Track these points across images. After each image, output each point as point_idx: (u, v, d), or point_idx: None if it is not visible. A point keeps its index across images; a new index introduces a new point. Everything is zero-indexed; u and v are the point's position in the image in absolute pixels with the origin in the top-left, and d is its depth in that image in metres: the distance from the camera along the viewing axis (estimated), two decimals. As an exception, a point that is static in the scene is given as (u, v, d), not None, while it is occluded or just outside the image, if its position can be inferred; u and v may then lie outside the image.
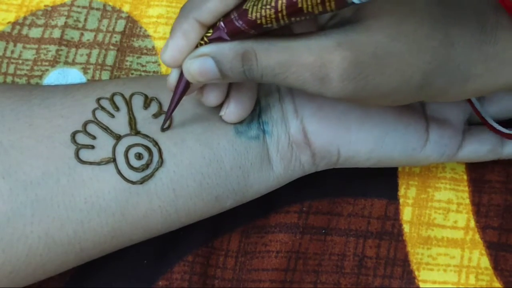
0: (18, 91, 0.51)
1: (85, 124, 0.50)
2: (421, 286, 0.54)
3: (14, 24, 0.60)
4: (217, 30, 0.46)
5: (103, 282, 0.54)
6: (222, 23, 0.46)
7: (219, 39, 0.46)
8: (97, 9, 0.61)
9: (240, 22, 0.45)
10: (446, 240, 0.55)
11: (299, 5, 0.43)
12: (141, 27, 0.60)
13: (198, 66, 0.46)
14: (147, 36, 0.60)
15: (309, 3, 0.43)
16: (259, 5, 0.44)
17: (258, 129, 0.52)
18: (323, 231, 0.55)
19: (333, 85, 0.46)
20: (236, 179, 0.51)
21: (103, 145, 0.49)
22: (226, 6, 0.45)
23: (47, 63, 0.59)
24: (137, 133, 0.50)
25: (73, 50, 0.59)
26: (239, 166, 0.51)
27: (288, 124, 0.52)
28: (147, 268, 0.54)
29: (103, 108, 0.50)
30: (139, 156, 0.49)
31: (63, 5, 0.61)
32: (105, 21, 0.60)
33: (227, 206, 0.52)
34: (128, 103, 0.51)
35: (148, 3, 0.61)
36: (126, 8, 0.61)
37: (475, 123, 0.55)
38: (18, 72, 0.59)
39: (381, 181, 0.56)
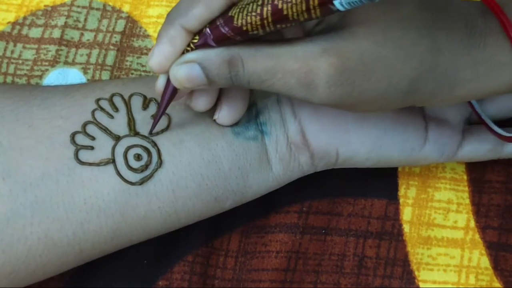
0: (18, 91, 0.51)
1: (84, 125, 0.50)
2: (421, 286, 0.54)
3: (14, 24, 0.60)
4: (203, 36, 0.46)
5: (103, 282, 0.54)
6: (208, 30, 0.46)
7: (206, 45, 0.46)
8: (97, 9, 0.61)
9: (226, 29, 0.45)
10: (446, 240, 0.55)
11: (285, 12, 0.43)
12: (141, 27, 0.60)
13: (185, 73, 0.47)
14: (147, 36, 0.60)
15: (294, 10, 0.43)
16: (245, 12, 0.44)
17: (256, 130, 0.52)
18: (323, 231, 0.55)
19: (320, 91, 0.46)
20: (235, 180, 0.51)
21: (103, 146, 0.49)
22: (212, 13, 0.45)
23: (47, 63, 0.59)
24: (136, 134, 0.50)
25: (73, 50, 0.59)
26: (238, 166, 0.51)
27: (286, 125, 0.52)
28: (147, 268, 0.54)
29: (102, 109, 0.50)
30: (138, 157, 0.49)
31: (63, 5, 0.61)
32: (105, 21, 0.60)
33: (226, 207, 0.52)
34: (127, 104, 0.51)
35: (148, 3, 0.61)
36: (126, 8, 0.61)
37: (475, 122, 0.55)
38: (18, 72, 0.59)
39: (381, 181, 0.56)
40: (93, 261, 0.52)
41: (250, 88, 0.48)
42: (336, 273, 0.54)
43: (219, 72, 0.46)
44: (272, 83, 0.46)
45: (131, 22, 0.61)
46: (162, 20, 0.60)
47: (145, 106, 0.51)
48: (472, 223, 0.55)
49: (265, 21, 0.44)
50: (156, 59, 0.47)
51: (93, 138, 0.49)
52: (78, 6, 0.61)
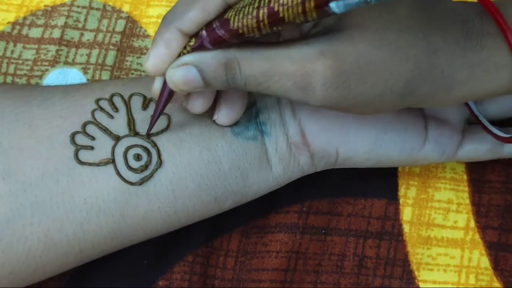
0: (18, 91, 0.52)
1: (84, 125, 0.50)
2: (421, 286, 0.54)
3: (14, 24, 0.60)
4: (200, 39, 0.46)
5: (103, 282, 0.54)
6: (204, 32, 0.46)
7: (202, 48, 0.46)
8: (97, 9, 0.61)
9: (222, 31, 0.45)
10: (446, 240, 0.55)
11: (281, 15, 0.43)
12: (141, 27, 0.60)
13: (181, 75, 0.47)
14: (147, 36, 0.60)
15: (290, 12, 0.43)
16: (241, 15, 0.44)
17: (255, 130, 0.52)
18: (323, 231, 0.55)
19: (316, 94, 0.46)
20: (235, 180, 0.51)
21: (102, 146, 0.49)
22: (208, 16, 0.45)
23: (47, 63, 0.59)
24: (136, 134, 0.50)
25: (73, 50, 0.59)
26: (238, 166, 0.51)
27: (286, 125, 0.52)
28: (147, 268, 0.54)
29: (102, 109, 0.50)
30: (138, 157, 0.49)
31: (63, 5, 0.61)
32: (105, 21, 0.60)
33: (226, 207, 0.52)
34: (127, 104, 0.51)
35: (148, 3, 0.61)
36: (126, 8, 0.61)
37: (474, 122, 0.55)
38: (18, 72, 0.59)
39: (381, 181, 0.56)
40: (93, 261, 0.52)
41: (247, 91, 0.47)
42: (336, 273, 0.54)
43: (215, 74, 0.46)
44: (268, 85, 0.46)
45: (131, 22, 0.61)
46: (162, 20, 0.61)
47: (145, 106, 0.51)
48: (472, 223, 0.55)
49: (261, 24, 0.44)
50: (152, 62, 0.47)
51: (93, 138, 0.49)
52: (78, 6, 0.61)
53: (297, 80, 0.45)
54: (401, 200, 0.56)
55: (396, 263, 0.55)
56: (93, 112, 0.50)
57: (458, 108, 0.55)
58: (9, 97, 0.51)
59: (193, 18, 0.46)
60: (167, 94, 0.48)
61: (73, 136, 0.49)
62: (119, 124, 0.50)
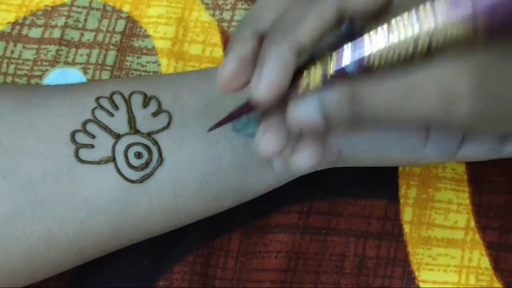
0: (18, 91, 0.52)
1: (84, 123, 0.50)
2: (421, 286, 0.54)
3: (14, 24, 0.60)
4: (340, 59, 0.39)
5: (103, 282, 0.54)
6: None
7: (343, 74, 0.40)
8: (97, 9, 0.61)
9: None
10: (446, 240, 0.55)
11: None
12: (141, 27, 0.60)
13: (307, 112, 0.40)
14: (147, 36, 0.60)
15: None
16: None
17: (256, 127, 0.51)
18: (323, 231, 0.55)
19: (461, 110, 0.41)
20: (235, 178, 0.51)
21: (103, 144, 0.49)
22: (324, 25, 0.40)
23: (47, 63, 0.59)
24: (137, 131, 0.50)
25: (73, 50, 0.59)
26: (238, 164, 0.51)
27: (286, 123, 0.52)
28: (147, 268, 0.54)
29: (102, 107, 0.50)
30: (138, 155, 0.49)
31: (63, 5, 0.61)
32: (105, 21, 0.60)
33: (226, 206, 0.52)
34: (127, 102, 0.51)
35: (148, 3, 0.61)
36: (126, 8, 0.61)
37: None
38: (18, 72, 0.59)
39: (381, 181, 0.56)
40: (93, 261, 0.52)
41: (373, 127, 0.43)
42: (336, 273, 0.54)
43: (339, 110, 0.40)
44: (402, 112, 0.41)
45: (131, 22, 0.61)
46: (162, 20, 0.60)
47: (145, 104, 0.51)
48: (472, 223, 0.55)
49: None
50: (268, 87, 0.40)
51: (93, 137, 0.49)
52: (78, 6, 0.61)
53: (439, 100, 0.40)
54: (401, 200, 0.56)
55: (396, 263, 0.55)
56: (93, 110, 0.50)
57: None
58: (9, 97, 0.51)
59: (310, 29, 0.39)
60: (250, 108, 0.43)
61: (73, 134, 0.49)
62: (119, 122, 0.50)
